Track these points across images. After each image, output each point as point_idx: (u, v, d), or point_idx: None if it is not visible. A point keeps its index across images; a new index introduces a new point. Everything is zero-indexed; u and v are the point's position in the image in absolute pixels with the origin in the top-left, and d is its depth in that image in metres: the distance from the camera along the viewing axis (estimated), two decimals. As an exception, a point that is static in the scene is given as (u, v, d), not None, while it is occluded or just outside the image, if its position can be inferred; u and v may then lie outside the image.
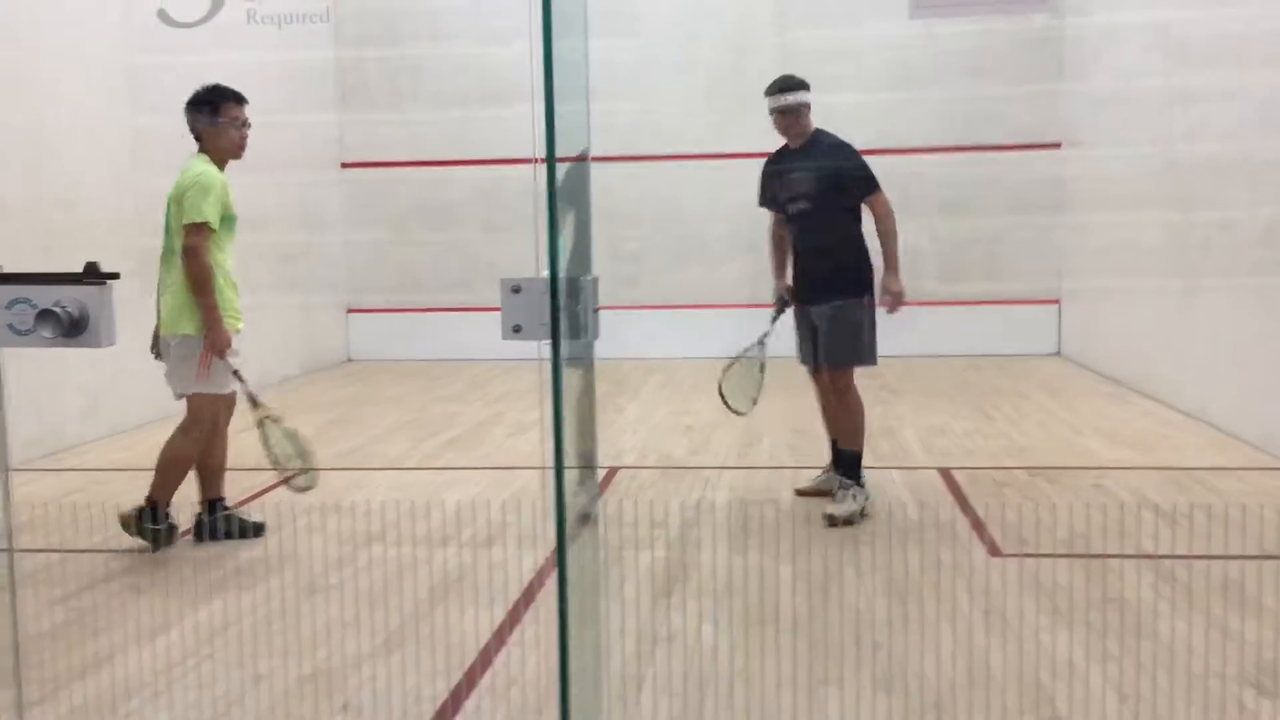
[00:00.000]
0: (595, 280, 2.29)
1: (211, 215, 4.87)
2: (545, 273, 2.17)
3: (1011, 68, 11.20)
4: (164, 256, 5.08)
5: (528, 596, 4.28)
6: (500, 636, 3.91)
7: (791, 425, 7.43)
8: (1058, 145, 11.06)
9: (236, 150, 5.13)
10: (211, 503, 5.19)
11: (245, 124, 5.13)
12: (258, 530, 5.18)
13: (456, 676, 3.56)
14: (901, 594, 4.26)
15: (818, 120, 5.50)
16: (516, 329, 2.24)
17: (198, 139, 5.10)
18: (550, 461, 2.17)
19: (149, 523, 4.94)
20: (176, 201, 4.97)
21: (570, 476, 2.44)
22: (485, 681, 3.53)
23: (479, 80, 11.69)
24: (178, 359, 4.98)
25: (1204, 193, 7.72)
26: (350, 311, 12.28)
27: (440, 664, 3.64)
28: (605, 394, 9.50)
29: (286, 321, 10.98)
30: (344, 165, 12.10)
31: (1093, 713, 3.22)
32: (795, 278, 5.59)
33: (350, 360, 12.17)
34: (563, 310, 2.21)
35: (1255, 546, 4.64)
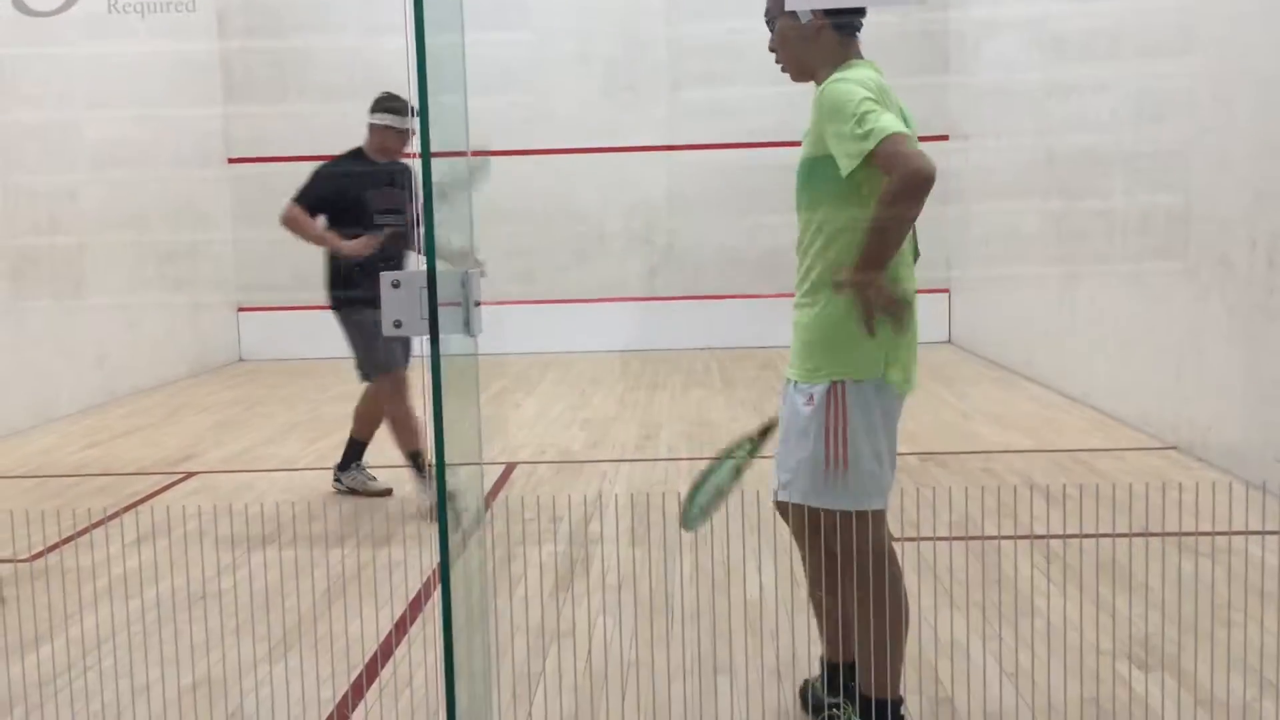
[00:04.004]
0: (478, 274, 2.28)
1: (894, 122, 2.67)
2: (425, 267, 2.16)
3: (899, 61, 11.38)
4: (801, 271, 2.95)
5: (422, 595, 4.24)
6: (394, 638, 3.86)
7: (689, 417, 7.48)
8: (945, 138, 11.30)
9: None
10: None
11: None
12: None
13: (348, 681, 3.51)
14: (796, 581, 4.31)
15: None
16: (398, 324, 2.23)
17: None
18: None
19: None
20: (814, 139, 2.82)
21: (465, 473, 2.41)
22: (377, 685, 3.49)
23: (367, 73, 11.46)
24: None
25: (1082, 182, 7.97)
26: (241, 310, 12.00)
27: (332, 668, 3.58)
28: (503, 389, 9.46)
29: (173, 321, 10.71)
30: (230, 160, 11.81)
31: (975, 687, 3.31)
32: None
33: (242, 360, 11.90)
34: (443, 305, 2.19)
35: (1133, 524, 4.80)
